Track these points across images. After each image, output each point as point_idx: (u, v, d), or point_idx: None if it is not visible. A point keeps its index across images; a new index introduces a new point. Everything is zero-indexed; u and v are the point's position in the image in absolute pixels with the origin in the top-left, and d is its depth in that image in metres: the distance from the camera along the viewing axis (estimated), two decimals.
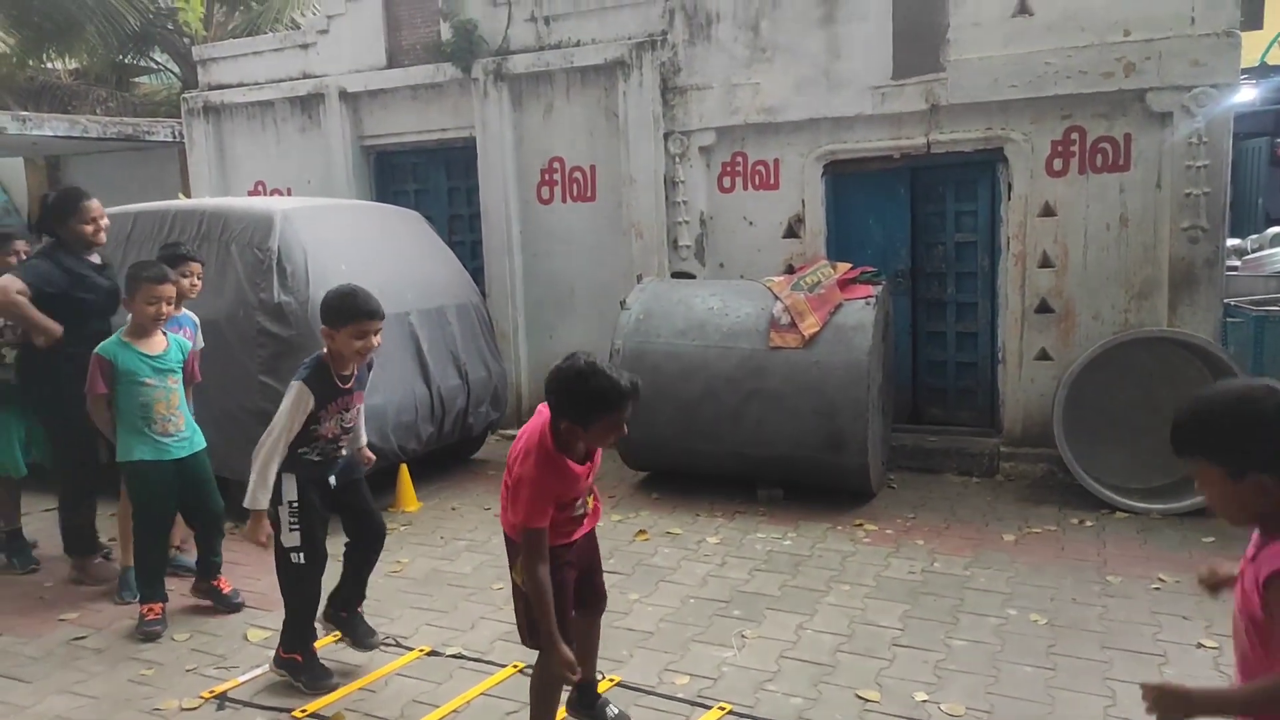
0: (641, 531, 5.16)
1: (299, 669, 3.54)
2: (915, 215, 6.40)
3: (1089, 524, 5.10)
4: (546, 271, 7.49)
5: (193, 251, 4.80)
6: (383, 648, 3.84)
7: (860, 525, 5.20)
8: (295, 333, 5.21)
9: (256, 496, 3.36)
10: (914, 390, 6.62)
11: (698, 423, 5.61)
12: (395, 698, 3.46)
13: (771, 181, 6.65)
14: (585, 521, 2.93)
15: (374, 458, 4.08)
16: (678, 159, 6.83)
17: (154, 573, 4.19)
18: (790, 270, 6.29)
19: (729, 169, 6.79)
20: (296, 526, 3.44)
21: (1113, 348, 5.38)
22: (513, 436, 7.44)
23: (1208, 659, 3.57)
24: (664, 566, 4.68)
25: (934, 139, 6.05)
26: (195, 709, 3.43)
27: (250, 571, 4.65)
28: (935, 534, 5.03)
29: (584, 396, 2.51)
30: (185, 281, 4.55)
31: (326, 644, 3.86)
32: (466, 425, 6.20)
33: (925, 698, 3.33)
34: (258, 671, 3.68)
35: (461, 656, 3.78)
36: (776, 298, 5.60)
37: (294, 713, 3.36)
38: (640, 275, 6.27)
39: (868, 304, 5.42)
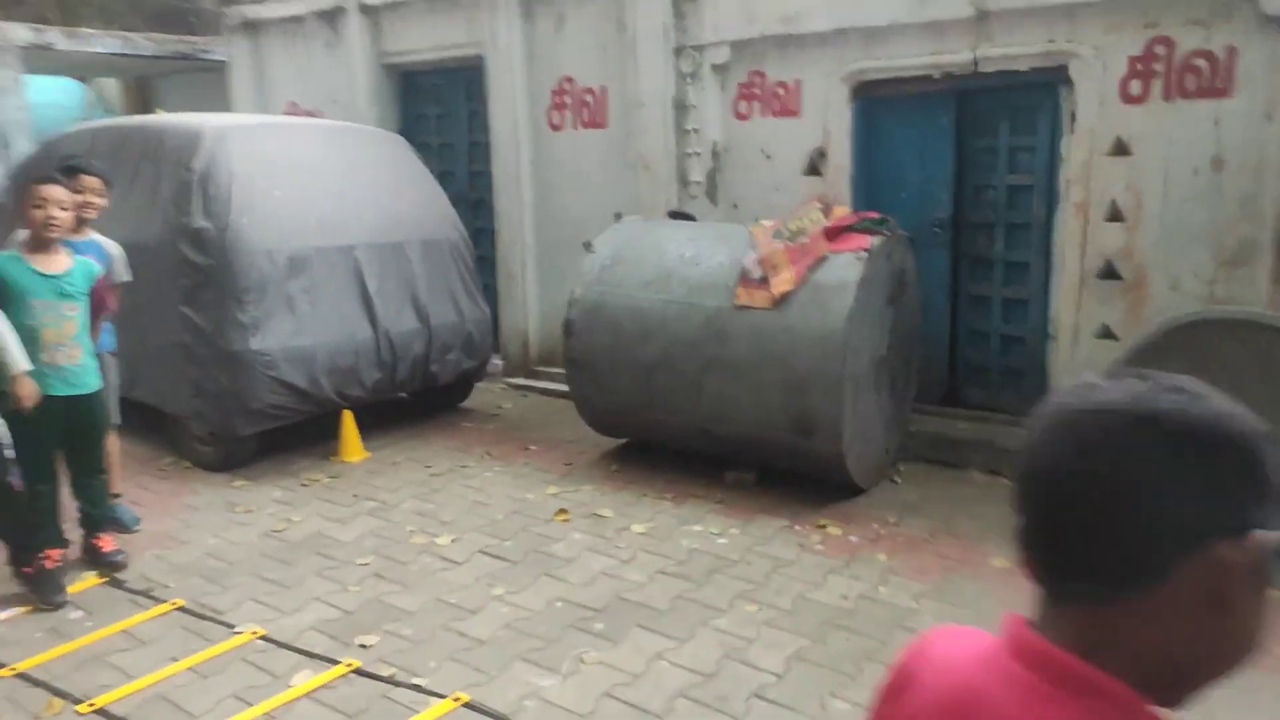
0: (562, 511, 4.48)
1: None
2: (962, 151, 5.22)
3: None
4: (558, 206, 6.79)
5: (90, 165, 4.27)
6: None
7: (823, 527, 4.31)
8: (213, 262, 4.81)
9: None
10: (951, 366, 5.51)
11: (656, 392, 4.83)
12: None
13: (792, 107, 5.62)
14: None
15: (30, 392, 3.55)
16: (689, 79, 5.91)
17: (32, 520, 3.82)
18: None
19: (746, 91, 5.80)
20: None
21: (1188, 328, 4.14)
22: (520, 387, 6.96)
23: None
24: (559, 557, 4.00)
25: (982, 54, 4.84)
26: None
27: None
28: (909, 547, 4.08)
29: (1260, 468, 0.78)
30: (78, 198, 3.97)
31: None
32: (429, 373, 5.67)
33: None
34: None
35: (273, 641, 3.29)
36: (753, 246, 4.68)
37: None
38: (619, 214, 5.47)
39: (857, 259, 4.41)
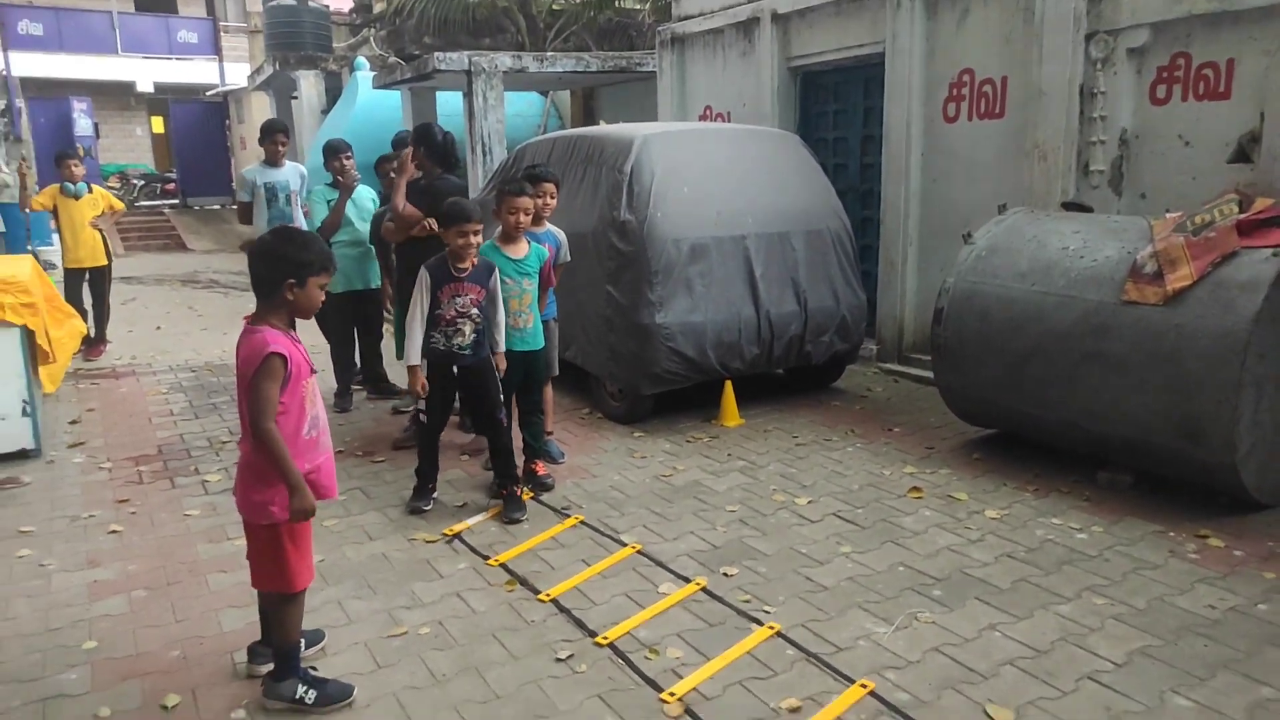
0: (916, 489, 4.69)
1: (412, 492, 4.68)
2: None
3: None
4: (943, 197, 6.86)
5: (547, 172, 5.32)
6: (597, 543, 4.26)
7: (1203, 537, 4.03)
8: (633, 249, 5.70)
9: (410, 354, 4.40)
10: None
11: (1024, 383, 4.80)
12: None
13: (1220, 89, 5.15)
14: None
15: (503, 364, 4.65)
16: (1099, 65, 5.65)
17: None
18: None
19: (1165, 75, 5.41)
20: (425, 396, 4.54)
21: None
22: (892, 372, 7.15)
23: None
24: (907, 529, 4.24)
25: None
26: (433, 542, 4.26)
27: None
28: None
29: None
30: (539, 201, 5.01)
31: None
32: (803, 352, 6.13)
33: None
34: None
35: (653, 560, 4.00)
36: (1151, 240, 4.44)
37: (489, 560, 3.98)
38: (1004, 205, 5.40)
39: (1276, 255, 4.01)
